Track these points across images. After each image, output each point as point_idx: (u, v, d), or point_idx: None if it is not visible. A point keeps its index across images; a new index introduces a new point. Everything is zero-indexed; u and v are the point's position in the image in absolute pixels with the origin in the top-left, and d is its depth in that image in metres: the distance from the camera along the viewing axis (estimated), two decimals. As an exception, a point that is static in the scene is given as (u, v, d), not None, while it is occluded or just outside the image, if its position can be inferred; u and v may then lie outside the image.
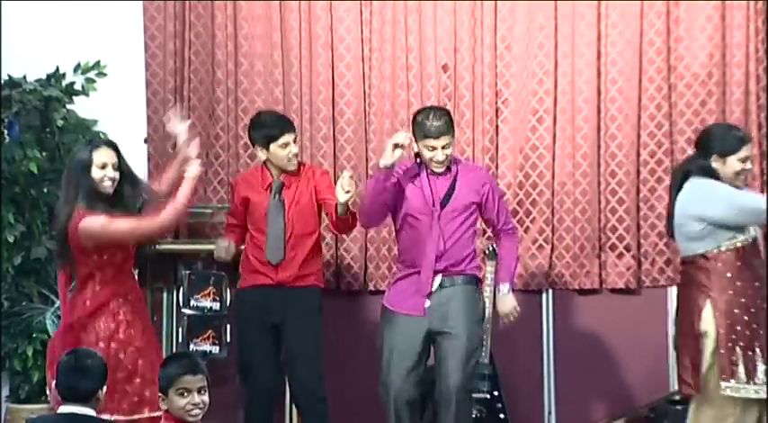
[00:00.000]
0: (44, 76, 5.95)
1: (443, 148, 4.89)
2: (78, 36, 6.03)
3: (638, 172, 5.93)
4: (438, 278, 4.93)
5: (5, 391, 5.92)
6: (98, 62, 6.07)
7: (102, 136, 5.96)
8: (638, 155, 5.93)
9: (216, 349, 5.75)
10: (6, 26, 5.95)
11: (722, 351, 4.59)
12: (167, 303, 5.96)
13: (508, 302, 5.14)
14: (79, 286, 4.53)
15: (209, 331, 5.76)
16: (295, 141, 5.28)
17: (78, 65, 6.06)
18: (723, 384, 4.58)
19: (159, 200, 4.64)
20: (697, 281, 4.68)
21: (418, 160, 4.99)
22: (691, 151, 5.33)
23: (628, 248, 5.92)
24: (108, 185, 4.49)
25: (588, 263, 5.94)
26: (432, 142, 4.87)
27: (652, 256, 5.94)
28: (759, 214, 4.59)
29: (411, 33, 6.01)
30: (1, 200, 5.72)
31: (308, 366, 5.23)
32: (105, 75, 6.08)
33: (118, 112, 6.03)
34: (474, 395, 5.19)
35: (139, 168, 5.88)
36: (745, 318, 4.61)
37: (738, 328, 4.60)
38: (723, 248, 4.64)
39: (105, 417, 4.05)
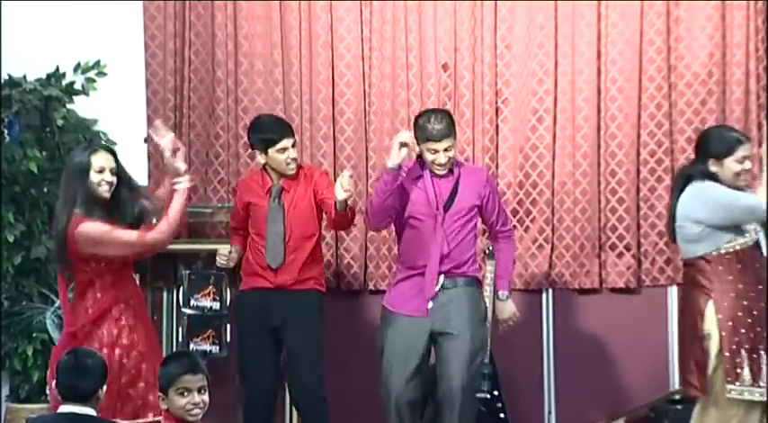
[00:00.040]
0: (44, 76, 5.95)
1: (445, 150, 4.88)
2: (78, 36, 6.03)
3: (639, 171, 5.93)
4: (440, 280, 4.93)
5: (5, 391, 5.92)
6: (98, 62, 6.07)
7: (102, 136, 5.97)
8: (639, 154, 5.93)
9: (216, 349, 5.76)
10: (6, 26, 5.94)
11: (726, 354, 4.58)
12: (167, 303, 5.96)
13: (507, 308, 5.17)
14: (79, 293, 4.52)
15: (209, 331, 5.76)
16: (294, 146, 5.26)
17: (78, 64, 6.06)
18: (728, 387, 4.58)
19: (159, 205, 4.64)
20: (698, 283, 4.69)
21: (420, 161, 4.99)
22: (691, 151, 5.35)
23: (628, 248, 5.92)
24: (105, 190, 4.48)
25: (588, 262, 5.94)
26: (434, 145, 4.87)
27: (652, 256, 5.94)
28: (749, 211, 4.60)
29: (411, 32, 6.01)
30: (1, 199, 5.72)
31: (308, 366, 5.23)
32: (105, 74, 6.08)
33: (118, 112, 6.02)
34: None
35: (139, 168, 5.91)
36: (749, 320, 4.61)
37: (742, 330, 4.59)
38: (722, 251, 4.64)
39: None
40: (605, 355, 5.97)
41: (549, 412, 5.97)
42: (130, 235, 4.46)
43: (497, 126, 6.00)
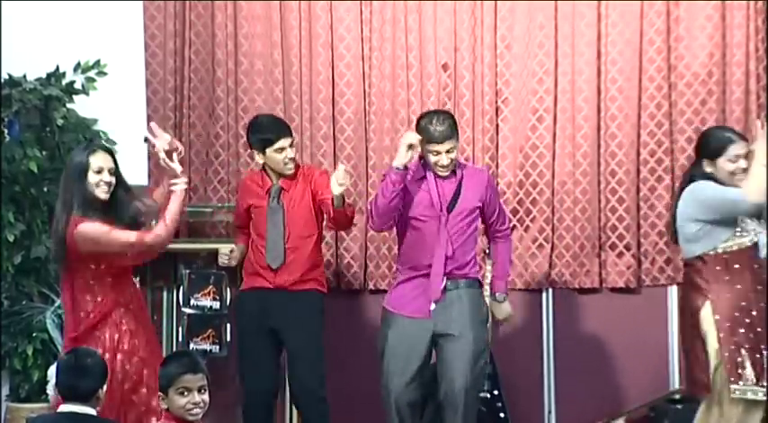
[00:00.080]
0: (44, 76, 5.94)
1: (448, 152, 4.88)
2: (78, 35, 6.03)
3: (639, 171, 5.93)
4: (443, 281, 4.93)
5: (5, 390, 5.91)
6: (98, 61, 6.07)
7: (102, 135, 5.97)
8: (639, 154, 5.93)
9: (216, 348, 5.76)
10: (6, 26, 5.94)
11: (726, 354, 4.59)
12: (167, 302, 5.95)
13: (504, 309, 5.18)
14: (80, 296, 4.50)
15: (209, 330, 5.76)
16: (291, 146, 5.25)
17: (78, 64, 6.06)
18: (733, 387, 4.58)
19: (154, 207, 4.64)
20: (695, 283, 4.71)
21: (422, 162, 4.98)
22: (691, 151, 5.37)
23: (628, 247, 5.92)
24: (104, 190, 4.48)
25: (588, 262, 5.94)
26: (436, 147, 4.86)
27: (652, 255, 5.94)
28: (733, 204, 4.59)
29: (411, 32, 6.01)
30: (1, 199, 5.71)
31: (309, 367, 5.22)
32: (105, 74, 6.08)
33: (118, 112, 6.02)
34: (474, 395, 5.20)
35: (139, 168, 5.91)
36: (747, 320, 4.61)
37: (741, 330, 4.60)
38: (720, 250, 4.66)
39: None
40: (605, 355, 5.97)
41: (549, 412, 5.97)
42: (130, 235, 4.46)
43: (497, 126, 6.01)
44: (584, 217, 5.93)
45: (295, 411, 5.61)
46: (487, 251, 5.37)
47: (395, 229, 5.09)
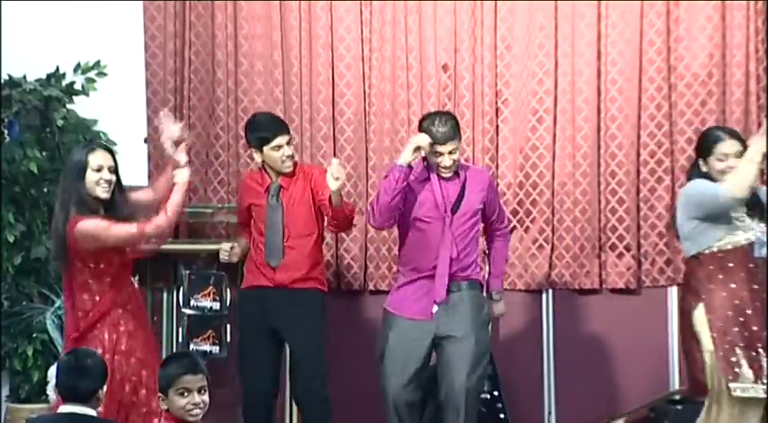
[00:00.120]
0: (44, 76, 5.95)
1: (450, 153, 4.88)
2: (78, 36, 6.03)
3: (638, 172, 5.93)
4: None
5: (5, 391, 5.92)
6: (98, 62, 6.07)
7: (102, 136, 5.97)
8: (639, 155, 5.93)
9: (216, 349, 5.76)
10: (6, 26, 5.95)
11: (720, 353, 4.60)
12: (167, 303, 5.95)
13: (498, 308, 5.21)
14: (78, 296, 4.50)
15: (210, 331, 5.76)
16: (289, 143, 5.24)
17: (78, 65, 6.06)
18: (732, 385, 4.58)
19: (147, 208, 4.64)
20: (690, 282, 4.76)
21: (425, 164, 4.98)
22: (691, 151, 5.40)
23: (628, 248, 5.92)
24: (104, 189, 4.48)
25: (588, 263, 5.94)
26: (438, 148, 4.86)
27: (652, 256, 5.94)
28: (714, 198, 4.60)
29: (411, 33, 6.01)
30: (1, 199, 5.72)
31: (310, 366, 5.21)
32: (105, 74, 6.08)
33: (118, 112, 6.03)
34: (474, 395, 5.20)
35: (139, 168, 5.91)
36: (741, 319, 4.62)
37: (735, 329, 4.61)
38: (715, 249, 4.68)
39: None
40: (605, 356, 5.97)
41: (549, 412, 5.97)
42: (130, 227, 4.46)
43: (497, 127, 6.00)
44: (584, 218, 5.93)
45: (295, 411, 5.61)
46: (487, 252, 5.37)
47: (396, 230, 5.10)
